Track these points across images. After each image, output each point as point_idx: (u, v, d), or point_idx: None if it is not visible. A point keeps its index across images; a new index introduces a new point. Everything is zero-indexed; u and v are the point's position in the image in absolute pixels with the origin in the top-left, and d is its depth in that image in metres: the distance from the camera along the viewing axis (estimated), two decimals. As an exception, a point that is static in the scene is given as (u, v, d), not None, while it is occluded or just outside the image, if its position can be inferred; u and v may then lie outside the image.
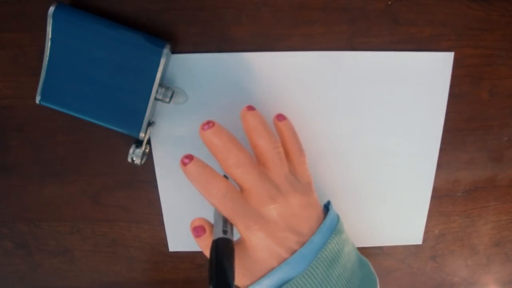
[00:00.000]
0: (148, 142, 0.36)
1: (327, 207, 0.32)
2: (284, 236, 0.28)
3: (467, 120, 0.37)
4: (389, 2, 0.32)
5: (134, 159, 0.34)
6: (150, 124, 0.33)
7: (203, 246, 0.29)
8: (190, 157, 0.29)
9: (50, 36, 0.30)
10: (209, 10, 0.32)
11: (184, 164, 0.29)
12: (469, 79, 0.35)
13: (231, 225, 0.28)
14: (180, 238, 0.41)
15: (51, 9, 0.30)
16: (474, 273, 0.45)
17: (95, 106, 0.32)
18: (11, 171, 0.38)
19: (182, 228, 0.40)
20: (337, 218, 0.31)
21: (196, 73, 0.34)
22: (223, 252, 0.25)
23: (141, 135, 0.33)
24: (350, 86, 0.35)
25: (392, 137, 0.36)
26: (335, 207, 0.39)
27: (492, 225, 0.42)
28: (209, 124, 0.29)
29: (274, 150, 0.30)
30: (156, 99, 0.32)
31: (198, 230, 0.29)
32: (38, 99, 0.32)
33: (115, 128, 0.33)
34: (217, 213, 0.29)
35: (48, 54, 0.31)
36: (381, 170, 0.38)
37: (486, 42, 0.34)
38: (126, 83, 0.31)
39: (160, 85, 0.32)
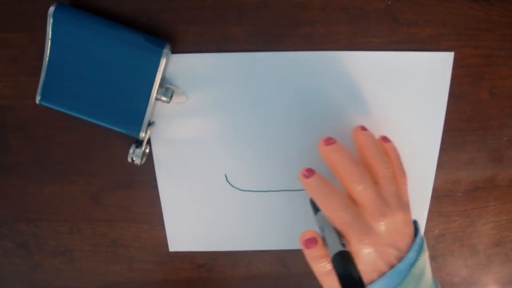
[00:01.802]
0: (148, 142, 0.36)
1: (414, 226, 0.34)
2: (387, 251, 0.30)
3: (467, 120, 0.37)
4: (389, 2, 0.32)
5: (134, 159, 0.34)
6: (150, 124, 0.33)
7: (312, 257, 0.30)
8: (311, 171, 0.31)
9: (50, 36, 0.30)
10: (209, 10, 0.32)
11: (305, 177, 0.31)
12: (469, 79, 0.35)
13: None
14: (180, 238, 0.41)
15: (51, 9, 0.30)
16: (474, 273, 0.45)
17: (95, 106, 0.32)
18: (11, 171, 0.38)
19: (182, 228, 0.40)
20: (423, 238, 0.33)
21: (196, 73, 0.34)
22: (350, 264, 0.26)
23: (141, 135, 0.33)
24: (350, 86, 0.35)
25: (392, 137, 0.36)
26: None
27: (492, 225, 0.42)
28: (329, 140, 0.31)
29: (387, 170, 0.31)
30: (156, 99, 0.32)
31: (310, 242, 0.30)
32: (38, 99, 0.32)
33: (115, 128, 0.33)
34: (326, 223, 0.30)
35: (48, 54, 0.31)
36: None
37: (486, 42, 0.34)
38: (126, 83, 0.31)
39: (160, 85, 0.32)
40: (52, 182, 0.38)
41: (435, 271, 0.44)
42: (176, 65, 0.34)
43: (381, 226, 0.29)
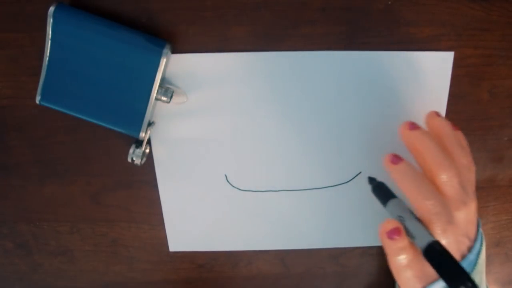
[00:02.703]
0: (148, 142, 0.36)
1: None
2: (462, 240, 0.29)
3: (467, 120, 0.37)
4: (389, 2, 0.32)
5: (134, 159, 0.34)
6: (150, 124, 0.33)
7: (394, 249, 0.29)
8: (398, 158, 0.30)
9: (50, 36, 0.30)
10: (209, 10, 0.32)
11: (393, 163, 0.30)
12: (469, 79, 0.35)
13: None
14: (180, 238, 0.41)
15: (51, 9, 0.30)
16: (474, 273, 0.45)
17: (95, 106, 0.32)
18: (11, 171, 0.38)
19: (182, 228, 0.40)
20: (482, 231, 0.33)
21: (196, 73, 0.34)
22: (448, 254, 0.26)
23: (141, 135, 0.33)
24: (350, 86, 0.35)
25: (393, 137, 0.36)
26: (336, 208, 0.39)
27: (492, 225, 0.42)
28: (414, 125, 0.31)
29: (465, 158, 0.31)
30: (156, 99, 0.32)
31: (394, 233, 0.29)
32: (38, 99, 0.32)
33: (115, 128, 0.33)
34: (406, 213, 0.29)
35: (48, 54, 0.31)
36: (381, 170, 0.38)
37: (486, 42, 0.34)
38: (126, 83, 0.31)
39: (160, 85, 0.32)
40: (52, 182, 0.38)
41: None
42: (176, 65, 0.34)
43: (461, 215, 0.29)
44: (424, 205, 0.29)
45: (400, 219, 0.29)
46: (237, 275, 0.43)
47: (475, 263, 0.30)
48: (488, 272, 0.45)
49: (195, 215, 0.39)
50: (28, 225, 0.40)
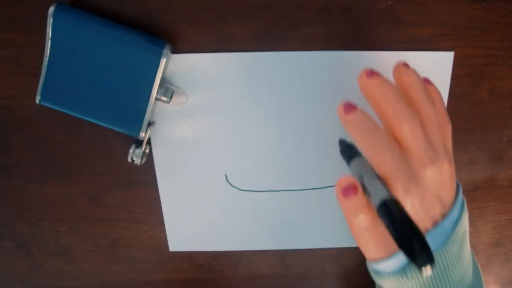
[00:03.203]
0: (148, 142, 0.36)
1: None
2: (432, 204, 0.26)
3: (467, 120, 0.37)
4: (389, 2, 0.32)
5: (134, 159, 0.34)
6: (150, 124, 0.33)
7: (351, 208, 0.26)
8: (352, 106, 0.27)
9: (50, 36, 0.30)
10: (209, 10, 0.32)
11: (345, 112, 0.27)
12: (469, 79, 0.35)
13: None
14: (180, 238, 0.41)
15: (51, 9, 0.30)
16: (474, 273, 0.45)
17: (95, 106, 0.32)
18: (11, 171, 0.38)
19: (182, 228, 0.40)
20: (463, 198, 0.30)
21: (196, 73, 0.34)
22: (403, 212, 0.22)
23: (141, 135, 0.33)
24: (351, 86, 0.35)
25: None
26: (336, 208, 0.39)
27: (492, 225, 0.42)
28: (372, 73, 0.27)
29: (434, 113, 0.27)
30: (156, 99, 0.32)
31: (349, 191, 0.26)
32: (38, 99, 0.32)
33: (115, 128, 0.33)
34: (367, 170, 0.26)
35: (48, 54, 0.31)
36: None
37: (486, 42, 0.34)
38: (126, 83, 0.31)
39: (160, 85, 0.32)
40: (52, 182, 0.38)
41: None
42: (176, 65, 0.34)
43: (428, 174, 0.26)
44: (380, 159, 0.25)
45: (360, 177, 0.26)
46: (237, 275, 0.43)
47: (450, 232, 0.26)
48: (488, 272, 0.45)
49: (195, 215, 0.40)
50: (28, 225, 0.40)
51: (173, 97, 0.33)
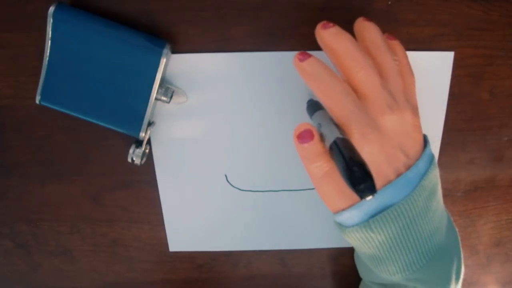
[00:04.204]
0: (148, 142, 0.36)
1: (424, 139, 0.30)
2: (394, 154, 0.26)
3: (467, 120, 0.37)
4: (389, 2, 0.32)
5: (134, 159, 0.34)
6: (150, 124, 0.33)
7: (308, 155, 0.26)
8: (306, 54, 0.27)
9: (50, 36, 0.30)
10: (209, 10, 0.32)
11: (299, 60, 0.26)
12: (469, 79, 0.35)
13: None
14: (180, 238, 0.41)
15: (51, 9, 0.30)
16: (474, 273, 0.45)
17: (95, 106, 0.32)
18: (11, 171, 0.38)
19: (182, 228, 0.40)
20: (433, 153, 0.29)
21: (196, 73, 0.34)
22: (354, 150, 0.22)
23: (141, 135, 0.33)
24: (350, 86, 0.35)
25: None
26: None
27: (492, 225, 0.42)
28: (327, 24, 0.27)
29: (394, 63, 0.27)
30: (156, 99, 0.32)
31: (305, 136, 0.25)
32: (38, 99, 0.32)
33: (115, 128, 0.33)
34: (326, 120, 0.26)
35: (48, 54, 0.31)
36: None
37: (486, 42, 0.34)
38: (126, 83, 0.31)
39: (160, 85, 0.32)
40: (52, 182, 0.38)
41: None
42: (176, 65, 0.34)
43: (388, 121, 0.25)
44: (336, 104, 0.25)
45: (319, 126, 0.26)
46: (237, 275, 0.43)
47: (416, 184, 0.26)
48: (488, 272, 0.45)
49: (195, 215, 0.40)
50: (28, 225, 0.40)
51: (173, 97, 0.33)
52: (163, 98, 0.32)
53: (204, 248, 0.41)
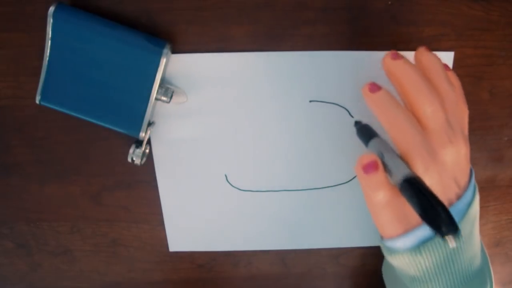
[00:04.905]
0: (148, 142, 0.36)
1: None
2: (449, 185, 0.27)
3: (467, 120, 0.37)
4: (389, 2, 0.32)
5: (134, 159, 0.34)
6: (150, 124, 0.33)
7: (371, 185, 0.27)
8: (377, 86, 0.28)
9: (50, 36, 0.30)
10: (209, 10, 0.32)
11: (371, 91, 0.28)
12: (469, 79, 0.35)
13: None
14: (180, 238, 0.41)
15: (51, 9, 0.30)
16: (474, 273, 0.45)
17: (95, 106, 0.32)
18: (11, 171, 0.38)
19: (182, 228, 0.40)
20: (475, 183, 0.30)
21: (196, 73, 0.34)
22: (426, 189, 0.23)
23: (141, 135, 0.33)
24: (350, 86, 0.35)
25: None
26: (336, 208, 0.39)
27: (492, 225, 0.42)
28: (396, 55, 0.28)
29: (454, 95, 0.28)
30: (156, 99, 0.32)
31: (370, 167, 0.26)
32: (38, 99, 0.32)
33: (115, 128, 0.33)
34: (387, 149, 0.27)
35: (48, 54, 0.31)
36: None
37: (486, 42, 0.34)
38: (126, 83, 0.31)
39: (160, 85, 0.32)
40: (52, 182, 0.38)
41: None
42: (176, 65, 0.34)
43: (447, 154, 0.27)
44: (402, 136, 0.26)
45: (380, 155, 0.27)
46: (237, 275, 0.43)
47: (464, 213, 0.27)
48: (488, 272, 0.45)
49: (195, 215, 0.39)
50: (28, 225, 0.40)
51: (173, 97, 0.33)
52: (163, 98, 0.32)
53: (204, 248, 0.41)
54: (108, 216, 0.40)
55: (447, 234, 0.22)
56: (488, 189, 0.40)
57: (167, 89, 0.32)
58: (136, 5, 0.32)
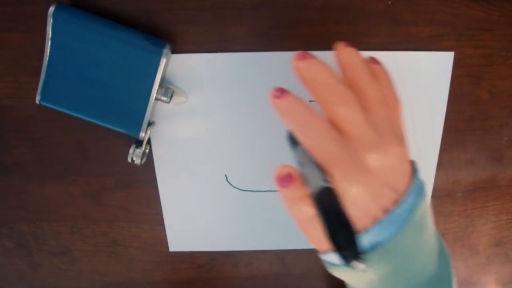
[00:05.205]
0: (148, 142, 0.36)
1: (412, 166, 0.28)
2: (381, 192, 0.24)
3: (467, 120, 0.37)
4: (389, 2, 0.32)
5: (134, 159, 0.34)
6: (150, 124, 0.33)
7: (290, 198, 0.25)
8: (283, 91, 0.25)
9: (50, 36, 0.30)
10: (209, 10, 0.32)
11: (276, 97, 0.25)
12: (469, 79, 0.35)
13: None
14: (180, 238, 0.41)
15: (51, 9, 0.30)
16: (474, 273, 0.45)
17: (95, 106, 0.32)
18: (11, 171, 0.38)
19: (182, 228, 0.40)
20: (423, 181, 0.27)
21: (196, 73, 0.34)
22: (336, 204, 0.21)
23: (141, 135, 0.33)
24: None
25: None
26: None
27: (492, 225, 0.42)
28: (304, 55, 0.25)
29: (378, 93, 0.25)
30: (156, 99, 0.32)
31: (286, 180, 0.24)
32: (38, 99, 0.32)
33: (115, 128, 0.33)
34: (306, 158, 0.24)
35: (48, 54, 0.31)
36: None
37: (486, 42, 0.34)
38: (126, 83, 0.31)
39: (160, 85, 0.32)
40: (52, 182, 0.38)
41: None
42: (176, 65, 0.34)
43: (373, 160, 0.24)
44: (316, 146, 0.23)
45: (301, 165, 0.24)
46: (237, 275, 0.43)
47: (405, 220, 0.24)
48: (488, 272, 0.45)
49: (195, 215, 0.40)
50: (28, 225, 0.40)
51: (173, 97, 0.33)
52: (163, 98, 0.32)
53: (204, 248, 0.41)
54: (108, 216, 0.40)
55: (348, 260, 0.20)
56: (488, 189, 0.40)
57: (167, 89, 0.32)
58: (136, 5, 0.32)
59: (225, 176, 0.38)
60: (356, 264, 0.20)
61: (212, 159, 0.37)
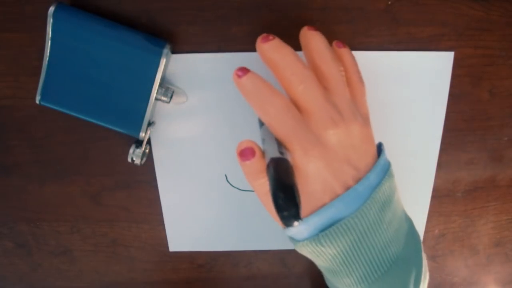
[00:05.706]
0: (148, 142, 0.36)
1: (379, 148, 0.29)
2: (341, 168, 0.25)
3: (467, 120, 0.37)
4: (389, 2, 0.32)
5: (134, 159, 0.34)
6: (150, 124, 0.33)
7: (250, 172, 0.26)
8: (244, 70, 0.26)
9: (50, 36, 0.30)
10: (209, 10, 0.32)
11: (238, 76, 0.26)
12: (469, 79, 0.35)
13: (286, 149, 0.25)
14: (180, 238, 0.41)
15: (51, 9, 0.30)
16: (474, 273, 0.45)
17: (95, 106, 0.32)
18: (11, 171, 0.38)
19: (182, 228, 0.40)
20: (389, 162, 0.29)
21: (196, 73, 0.34)
22: (285, 172, 0.22)
23: (141, 135, 0.33)
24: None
25: (392, 137, 0.36)
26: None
27: (492, 225, 0.42)
28: (267, 37, 0.26)
29: (339, 73, 0.27)
30: (156, 99, 0.32)
31: (246, 153, 0.25)
32: (38, 99, 0.32)
33: (115, 128, 0.33)
34: (269, 135, 0.25)
35: (48, 54, 0.31)
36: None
37: (486, 42, 0.34)
38: (126, 83, 0.31)
39: (160, 85, 0.32)
40: (52, 182, 0.38)
41: (435, 271, 0.44)
42: (176, 65, 0.34)
43: (332, 136, 0.25)
44: (275, 122, 0.25)
45: (263, 141, 0.26)
46: (237, 275, 0.43)
47: (366, 197, 0.25)
48: (488, 272, 0.45)
49: (195, 215, 0.40)
50: (28, 225, 0.40)
51: (173, 97, 0.33)
52: (163, 98, 0.32)
53: (204, 248, 0.41)
54: (108, 216, 0.40)
55: (287, 220, 0.21)
56: (488, 189, 0.40)
57: (167, 89, 0.32)
58: (136, 5, 0.32)
59: (225, 176, 0.38)
60: (295, 223, 0.21)
61: (212, 159, 0.37)
